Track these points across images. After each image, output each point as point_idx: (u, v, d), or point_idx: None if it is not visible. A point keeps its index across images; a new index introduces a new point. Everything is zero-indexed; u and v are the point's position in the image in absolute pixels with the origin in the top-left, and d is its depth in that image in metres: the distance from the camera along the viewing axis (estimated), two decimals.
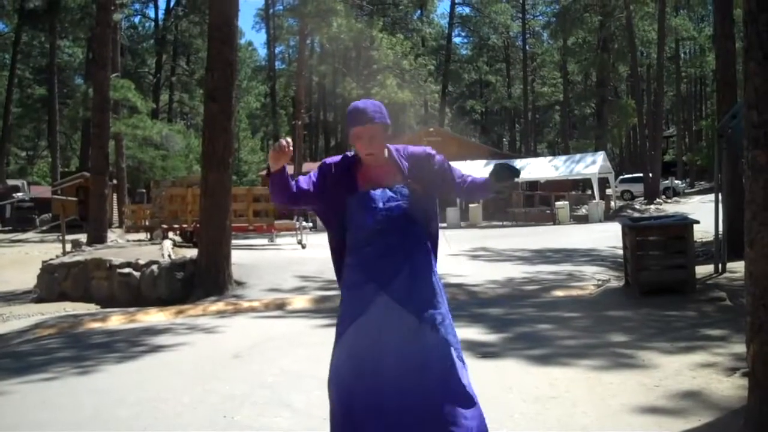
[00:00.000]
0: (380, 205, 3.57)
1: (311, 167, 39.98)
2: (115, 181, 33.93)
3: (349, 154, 3.81)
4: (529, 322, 8.43)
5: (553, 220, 32.22)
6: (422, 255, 3.62)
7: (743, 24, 4.57)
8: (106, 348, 8.08)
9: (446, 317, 3.57)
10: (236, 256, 13.95)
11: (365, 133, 3.60)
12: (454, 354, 3.49)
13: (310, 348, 7.28)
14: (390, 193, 3.60)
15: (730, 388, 5.40)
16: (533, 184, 37.26)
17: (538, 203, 36.02)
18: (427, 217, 3.70)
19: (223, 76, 13.02)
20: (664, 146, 63.66)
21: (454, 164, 3.85)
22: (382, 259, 3.53)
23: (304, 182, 3.70)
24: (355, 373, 3.43)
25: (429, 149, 3.81)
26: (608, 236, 18.77)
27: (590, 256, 15.80)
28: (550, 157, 41.72)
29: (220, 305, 11.37)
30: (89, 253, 15.79)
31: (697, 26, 60.60)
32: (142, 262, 13.90)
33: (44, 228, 32.90)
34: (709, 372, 5.86)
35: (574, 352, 6.75)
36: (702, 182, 59.60)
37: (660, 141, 50.12)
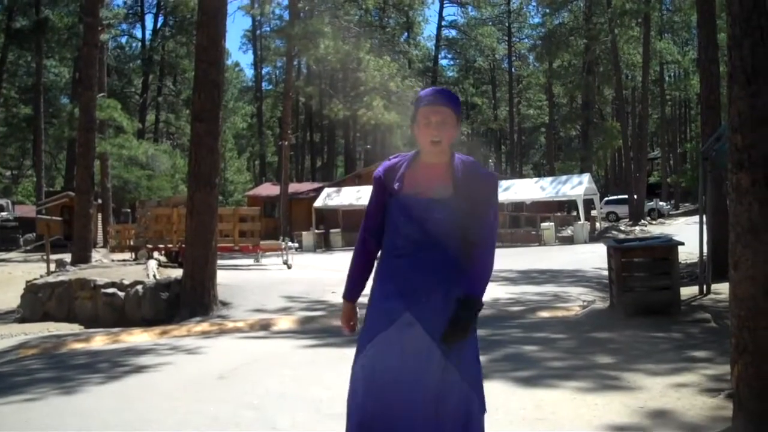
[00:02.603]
0: (421, 214, 3.21)
1: (298, 188, 40.00)
2: (100, 201, 33.82)
3: (404, 154, 3.46)
4: (515, 344, 8.43)
5: (538, 241, 32.29)
6: (459, 278, 3.21)
7: (727, 48, 4.63)
8: (90, 369, 8.02)
9: (474, 352, 3.24)
10: (221, 276, 13.90)
11: (436, 114, 3.25)
12: (477, 400, 3.17)
13: (296, 369, 7.25)
14: (434, 205, 3.21)
15: (715, 408, 5.40)
16: (519, 205, 37.38)
17: (523, 224, 36.14)
18: (469, 239, 3.24)
19: (210, 96, 13.03)
20: (649, 168, 64.05)
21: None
22: (415, 274, 3.19)
23: (373, 218, 3.41)
24: (370, 395, 3.14)
25: (493, 175, 3.45)
26: (593, 257, 18.83)
27: (575, 277, 15.83)
28: (536, 179, 41.89)
29: (204, 326, 11.32)
30: (73, 273, 15.70)
31: (681, 50, 61.18)
32: (126, 282, 13.83)
33: (28, 247, 32.74)
34: (693, 393, 5.86)
35: (560, 374, 6.75)
36: (686, 204, 59.99)
37: (645, 163, 50.47)
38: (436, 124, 3.23)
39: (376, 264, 3.44)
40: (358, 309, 3.53)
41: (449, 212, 3.20)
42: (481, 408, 3.20)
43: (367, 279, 3.50)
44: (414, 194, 3.25)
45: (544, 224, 33.34)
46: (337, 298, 11.58)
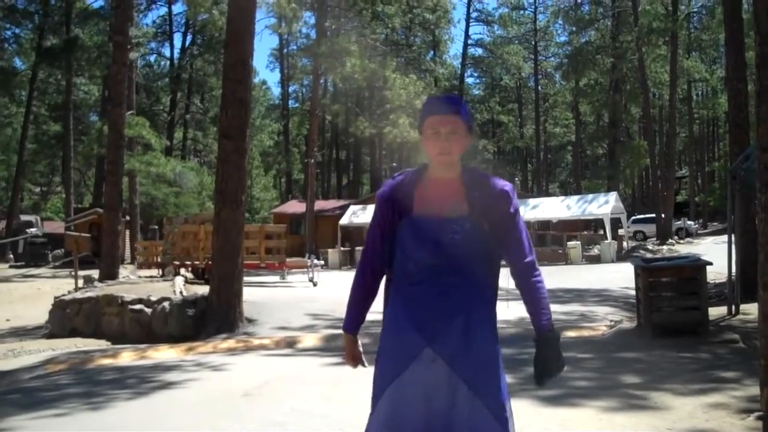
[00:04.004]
0: (437, 236, 2.87)
1: (323, 206, 40.05)
2: (128, 218, 34.10)
3: (409, 170, 3.14)
4: None
5: (565, 259, 32.09)
6: (482, 306, 2.91)
7: (755, 67, 4.61)
8: (117, 384, 8.07)
9: (501, 383, 2.90)
10: (247, 293, 13.95)
11: (445, 123, 2.94)
12: None
13: (321, 386, 7.25)
14: (448, 224, 2.89)
15: (744, 430, 5.34)
16: (545, 224, 37.21)
17: (550, 243, 35.94)
18: (491, 261, 2.97)
19: (237, 114, 13.13)
20: (677, 187, 63.62)
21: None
22: (432, 302, 2.86)
23: (378, 242, 3.06)
24: None
25: (508, 185, 3.03)
26: (620, 277, 18.68)
27: (602, 297, 15.73)
28: (563, 197, 41.71)
29: (230, 342, 11.36)
30: (101, 289, 15.82)
31: (709, 68, 60.76)
32: (153, 298, 13.91)
33: (57, 263, 33.08)
34: (722, 414, 5.80)
35: (586, 393, 6.70)
36: (715, 223, 59.47)
37: (672, 182, 50.08)
38: (446, 135, 2.93)
39: (386, 293, 3.08)
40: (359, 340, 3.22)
41: (466, 232, 2.88)
42: None
43: (368, 308, 3.19)
44: (426, 214, 2.94)
45: (570, 243, 33.15)
46: None
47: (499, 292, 3.04)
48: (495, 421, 2.78)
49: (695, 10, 54.63)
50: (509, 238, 2.99)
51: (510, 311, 13.27)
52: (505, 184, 3.02)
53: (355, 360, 3.18)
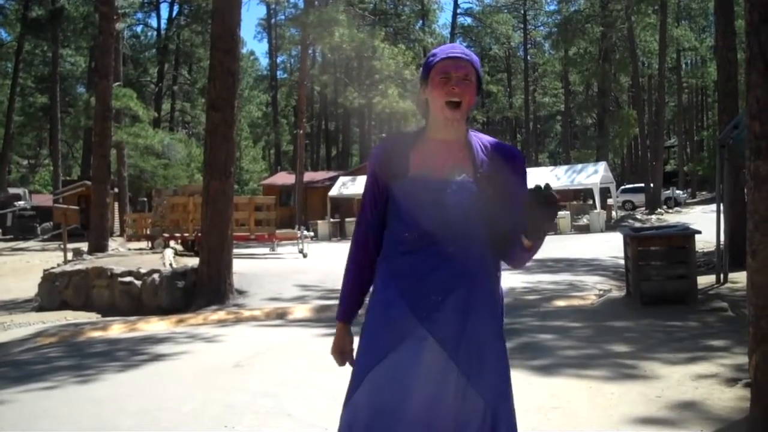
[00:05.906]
0: (434, 198, 2.50)
1: (313, 177, 39.82)
2: (116, 190, 33.98)
3: (406, 132, 2.81)
4: (531, 332, 8.41)
5: (554, 229, 32.16)
6: (485, 279, 2.56)
7: (745, 35, 4.59)
8: (107, 357, 8.07)
9: (500, 365, 2.57)
10: (237, 265, 13.94)
11: (458, 68, 2.54)
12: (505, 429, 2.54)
13: (311, 357, 7.26)
14: (453, 186, 2.52)
15: (733, 398, 5.38)
16: None
17: None
18: (496, 229, 2.52)
19: (225, 85, 13.05)
20: (666, 156, 63.70)
21: None
22: (428, 274, 2.50)
23: (372, 208, 2.68)
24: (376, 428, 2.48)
25: (519, 152, 2.70)
26: (609, 246, 18.75)
27: (591, 266, 15.78)
28: (552, 167, 41.71)
29: (221, 314, 11.37)
30: (90, 262, 15.77)
31: (698, 37, 60.70)
32: (143, 270, 13.89)
33: (45, 236, 32.90)
34: (711, 382, 5.84)
35: (576, 363, 6.74)
36: (703, 192, 59.68)
37: (661, 151, 50.17)
38: (458, 80, 2.53)
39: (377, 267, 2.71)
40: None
41: (469, 196, 2.51)
42: None
43: (367, 291, 2.76)
44: (424, 174, 2.55)
45: (559, 213, 33.15)
46: None
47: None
48: (488, 408, 2.47)
49: None
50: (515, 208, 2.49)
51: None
52: (517, 150, 2.72)
53: (342, 355, 2.82)
